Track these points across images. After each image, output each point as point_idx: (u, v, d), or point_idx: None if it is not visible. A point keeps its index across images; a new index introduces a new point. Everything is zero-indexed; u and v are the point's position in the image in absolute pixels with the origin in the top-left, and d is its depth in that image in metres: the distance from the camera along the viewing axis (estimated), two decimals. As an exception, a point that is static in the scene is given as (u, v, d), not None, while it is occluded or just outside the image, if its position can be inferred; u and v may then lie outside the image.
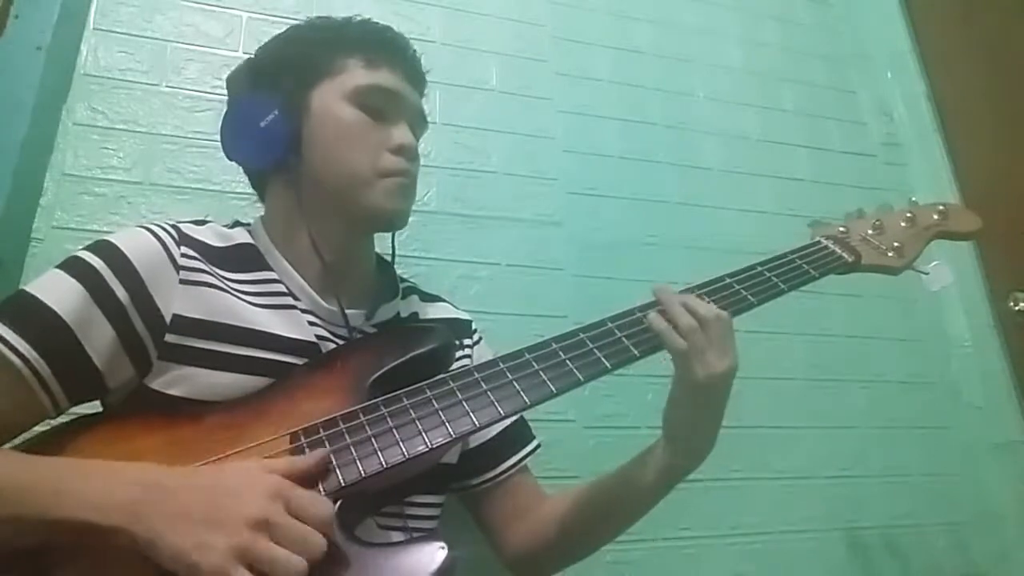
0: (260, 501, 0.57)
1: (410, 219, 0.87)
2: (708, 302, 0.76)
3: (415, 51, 0.88)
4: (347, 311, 0.80)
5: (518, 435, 0.93)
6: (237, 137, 0.82)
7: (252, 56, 0.88)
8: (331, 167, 0.80)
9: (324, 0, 1.33)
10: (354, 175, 0.80)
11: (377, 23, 0.88)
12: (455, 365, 0.85)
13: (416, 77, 0.88)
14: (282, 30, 0.89)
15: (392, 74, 0.83)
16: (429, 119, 0.92)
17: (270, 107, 0.79)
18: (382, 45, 0.85)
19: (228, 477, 0.59)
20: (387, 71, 0.83)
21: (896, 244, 0.91)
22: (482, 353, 0.95)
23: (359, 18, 0.88)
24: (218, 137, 0.85)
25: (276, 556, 0.55)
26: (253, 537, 0.55)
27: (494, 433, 0.90)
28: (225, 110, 0.86)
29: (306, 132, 0.80)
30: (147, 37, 1.22)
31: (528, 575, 0.92)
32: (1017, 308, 1.45)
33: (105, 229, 1.06)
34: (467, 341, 0.94)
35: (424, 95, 0.90)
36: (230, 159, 0.86)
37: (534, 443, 0.95)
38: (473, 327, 0.97)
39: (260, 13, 1.29)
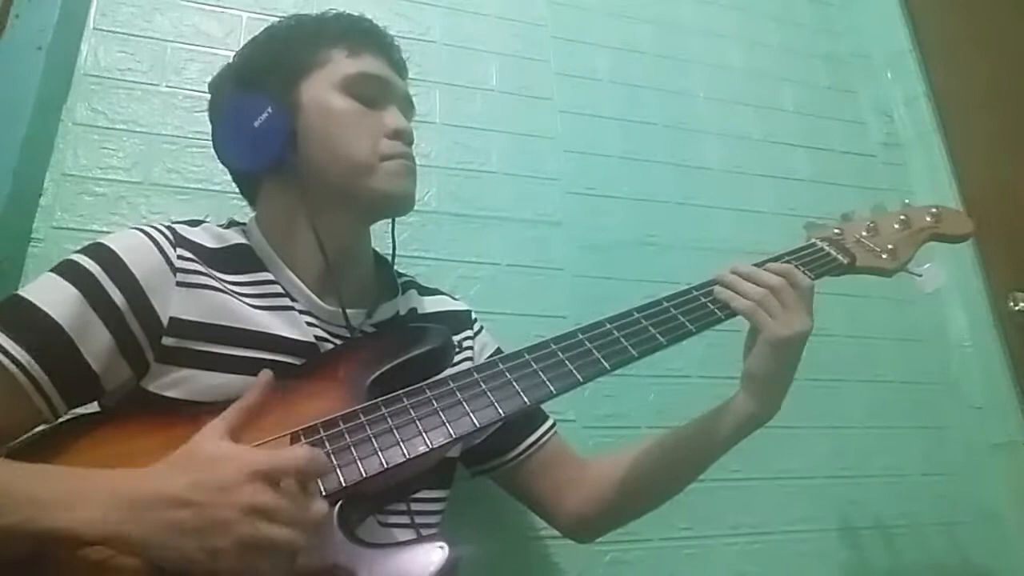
0: (244, 488, 0.55)
1: (410, 219, 0.86)
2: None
3: (394, 38, 0.89)
4: (347, 311, 0.80)
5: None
6: (232, 140, 0.82)
7: (232, 61, 0.87)
8: (332, 158, 0.79)
9: (324, 0, 1.32)
10: (356, 163, 0.79)
11: (352, 14, 0.88)
12: (458, 358, 0.85)
13: (399, 63, 0.88)
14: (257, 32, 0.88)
15: (376, 60, 0.84)
16: (429, 119, 0.92)
17: (262, 106, 0.78)
18: (363, 34, 0.85)
19: (205, 472, 0.56)
20: (371, 58, 0.83)
21: (890, 246, 0.91)
22: (485, 342, 0.95)
23: (332, 11, 0.87)
24: (219, 137, 0.85)
25: (276, 537, 0.54)
26: (252, 526, 0.54)
27: None
28: (213, 116, 0.86)
29: (301, 127, 0.79)
30: (147, 37, 1.22)
31: (586, 537, 0.95)
32: (1017, 308, 1.45)
33: (105, 229, 1.06)
34: (468, 332, 0.94)
35: (407, 80, 0.90)
36: (225, 164, 0.86)
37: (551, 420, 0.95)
38: (473, 316, 0.97)
39: (260, 13, 1.29)
